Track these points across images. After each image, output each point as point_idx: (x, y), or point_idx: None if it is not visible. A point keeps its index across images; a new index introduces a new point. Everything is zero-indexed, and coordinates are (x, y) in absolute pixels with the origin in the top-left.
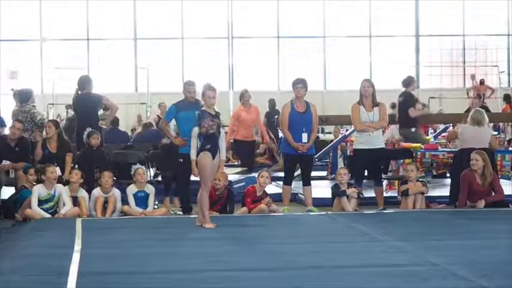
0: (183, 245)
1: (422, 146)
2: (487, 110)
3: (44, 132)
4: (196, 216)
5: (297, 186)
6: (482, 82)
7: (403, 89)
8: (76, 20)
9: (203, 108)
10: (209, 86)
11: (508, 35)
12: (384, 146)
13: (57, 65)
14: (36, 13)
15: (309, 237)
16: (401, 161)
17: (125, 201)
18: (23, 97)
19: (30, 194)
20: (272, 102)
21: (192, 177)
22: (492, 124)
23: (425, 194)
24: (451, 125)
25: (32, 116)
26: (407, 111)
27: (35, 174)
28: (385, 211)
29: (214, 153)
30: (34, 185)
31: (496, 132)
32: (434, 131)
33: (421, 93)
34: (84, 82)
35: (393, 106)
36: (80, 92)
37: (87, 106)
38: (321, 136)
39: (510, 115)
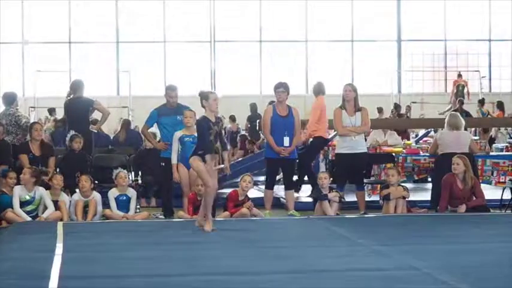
0: (164, 248)
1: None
2: (468, 115)
3: (29, 136)
4: (177, 220)
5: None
6: (460, 75)
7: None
8: (58, 22)
9: (205, 115)
10: (210, 91)
11: (489, 40)
12: (366, 150)
13: (39, 68)
14: (18, 16)
15: (290, 241)
16: (384, 165)
17: (106, 205)
18: (8, 100)
19: (8, 199)
20: (253, 106)
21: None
22: (473, 129)
23: (407, 199)
24: (432, 129)
25: (16, 119)
26: None
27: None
28: (366, 215)
29: (204, 160)
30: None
31: (477, 137)
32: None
33: (403, 98)
34: (76, 86)
35: (380, 111)
36: (71, 96)
37: (78, 110)
38: None
39: (506, 120)
